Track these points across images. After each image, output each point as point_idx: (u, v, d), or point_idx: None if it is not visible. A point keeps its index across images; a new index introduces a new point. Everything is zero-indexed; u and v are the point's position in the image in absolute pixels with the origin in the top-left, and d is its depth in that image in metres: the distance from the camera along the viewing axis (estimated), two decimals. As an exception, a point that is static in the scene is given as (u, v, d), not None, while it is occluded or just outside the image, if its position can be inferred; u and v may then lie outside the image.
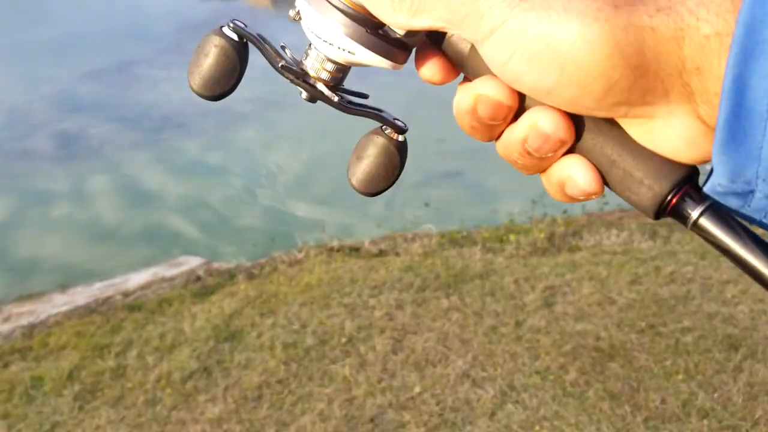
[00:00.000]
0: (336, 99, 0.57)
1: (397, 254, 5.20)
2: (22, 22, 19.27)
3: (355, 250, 5.28)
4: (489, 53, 0.46)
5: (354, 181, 0.59)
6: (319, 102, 0.57)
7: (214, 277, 4.85)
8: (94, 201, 7.75)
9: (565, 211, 6.47)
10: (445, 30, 0.50)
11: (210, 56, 0.57)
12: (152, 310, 4.32)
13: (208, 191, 7.91)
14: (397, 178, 0.60)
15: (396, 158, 0.58)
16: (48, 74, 12.70)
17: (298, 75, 0.57)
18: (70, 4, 21.67)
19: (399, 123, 0.58)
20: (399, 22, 0.50)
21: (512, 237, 5.58)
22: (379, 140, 0.58)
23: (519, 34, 0.43)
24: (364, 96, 0.59)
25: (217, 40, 0.57)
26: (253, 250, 6.15)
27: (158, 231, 7.09)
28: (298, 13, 0.56)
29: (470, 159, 8.47)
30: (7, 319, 4.43)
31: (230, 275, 4.87)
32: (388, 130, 0.58)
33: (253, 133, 9.51)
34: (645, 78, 0.42)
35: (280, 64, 0.56)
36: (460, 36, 0.50)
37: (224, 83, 0.58)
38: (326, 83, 0.57)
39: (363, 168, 0.58)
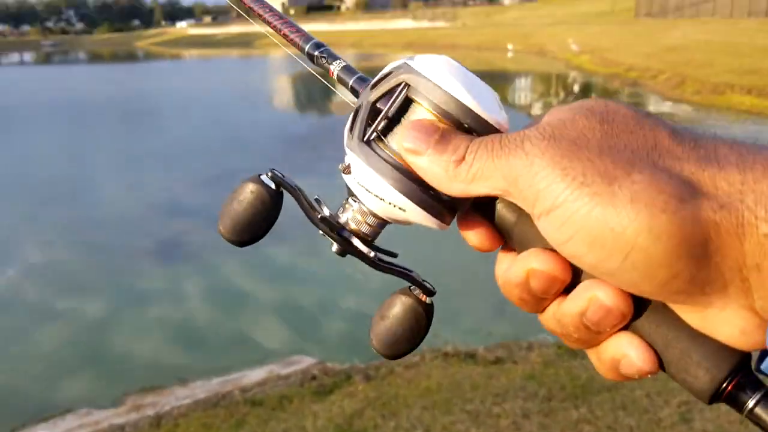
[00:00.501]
0: (372, 254, 0.56)
1: (515, 362, 5.04)
2: (135, 134, 20.90)
3: (470, 356, 5.16)
4: (547, 229, 0.46)
5: (375, 342, 0.57)
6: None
7: (330, 377, 4.82)
8: (189, 302, 7.97)
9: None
10: (498, 196, 0.49)
11: (245, 202, 0.56)
12: (273, 407, 4.30)
13: (299, 294, 8.01)
14: (420, 342, 0.58)
15: (423, 320, 0.56)
16: (155, 181, 13.62)
17: (335, 228, 0.56)
18: (179, 118, 23.49)
19: (428, 285, 0.57)
20: (455, 189, 0.50)
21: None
22: (407, 301, 0.56)
23: (581, 217, 0.43)
24: (394, 255, 0.58)
25: (254, 187, 0.57)
26: (336, 352, 6.11)
27: (251, 332, 7.13)
28: (348, 166, 0.56)
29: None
30: (134, 409, 4.51)
31: (346, 375, 4.83)
32: (417, 291, 0.57)
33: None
34: (707, 270, 0.42)
35: (319, 216, 0.56)
36: (510, 203, 0.50)
37: (255, 230, 0.57)
38: (364, 237, 0.56)
39: (387, 328, 0.56)
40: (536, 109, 25.29)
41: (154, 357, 6.61)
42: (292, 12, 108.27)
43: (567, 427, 3.87)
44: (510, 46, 53.01)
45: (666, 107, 22.06)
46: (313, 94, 32.00)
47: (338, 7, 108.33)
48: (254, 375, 5.12)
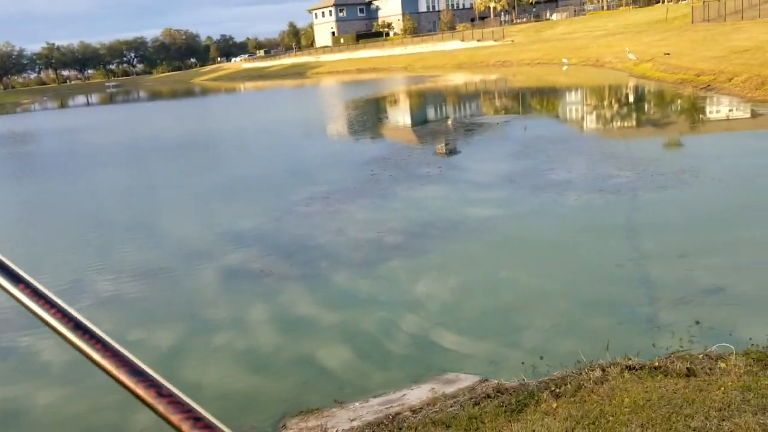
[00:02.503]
0: None
1: (708, 374, 4.50)
2: (202, 170, 21.03)
3: (656, 369, 4.64)
4: None
5: None
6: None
7: (509, 395, 4.37)
8: (253, 328, 7.67)
9: None
10: None
11: None
12: (465, 428, 3.88)
13: (359, 319, 7.60)
14: None
15: None
16: (218, 212, 13.59)
17: None
18: (237, 155, 23.60)
19: None
20: None
21: (840, 357, 4.72)
22: None
23: None
24: None
25: None
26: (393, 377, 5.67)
27: (301, 360, 6.72)
28: None
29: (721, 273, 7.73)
30: (302, 433, 4.15)
31: (528, 393, 4.37)
32: None
33: (398, 262, 9.35)
34: None
35: None
36: None
37: None
38: None
39: None
40: (613, 117, 24.58)
41: (212, 386, 6.29)
42: (341, 41, 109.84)
43: (824, 444, 3.34)
44: (565, 60, 52.26)
45: (751, 108, 21.07)
46: (365, 119, 31.94)
47: (387, 34, 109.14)
48: (415, 394, 4.72)
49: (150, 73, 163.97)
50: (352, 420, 4.34)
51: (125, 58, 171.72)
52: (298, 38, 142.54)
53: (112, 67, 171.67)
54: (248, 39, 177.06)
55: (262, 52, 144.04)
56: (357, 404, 4.67)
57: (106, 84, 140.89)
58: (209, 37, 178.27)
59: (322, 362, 6.58)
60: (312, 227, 11.72)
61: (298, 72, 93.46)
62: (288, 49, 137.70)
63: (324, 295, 8.59)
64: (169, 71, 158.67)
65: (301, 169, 18.43)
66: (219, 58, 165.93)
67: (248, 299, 8.62)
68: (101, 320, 8.36)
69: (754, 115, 20.19)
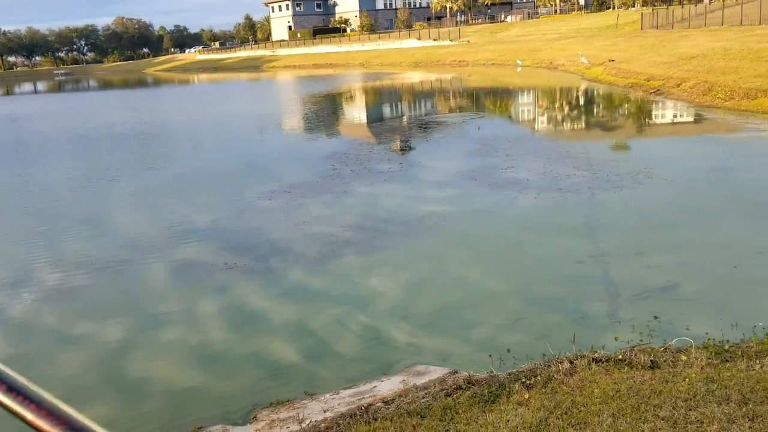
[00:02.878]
0: None
1: (672, 365, 4.63)
2: (158, 163, 20.62)
3: (622, 361, 4.75)
4: None
5: None
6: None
7: (481, 386, 4.40)
8: (211, 323, 7.57)
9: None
10: None
11: None
12: (440, 418, 3.89)
13: (311, 315, 7.58)
14: None
15: None
16: (174, 205, 13.33)
17: None
18: (194, 148, 23.22)
19: None
20: None
21: (793, 350, 4.92)
22: None
23: None
24: None
25: None
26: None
27: (263, 354, 6.64)
28: None
29: (677, 272, 7.97)
30: (274, 425, 4.10)
31: (500, 384, 4.41)
32: None
33: (352, 257, 9.36)
34: None
35: None
36: None
37: None
38: None
39: None
40: (569, 118, 25.05)
41: (161, 381, 6.19)
42: (298, 35, 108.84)
43: (786, 432, 3.47)
44: (519, 61, 53.03)
45: (699, 113, 21.78)
46: (323, 115, 31.82)
47: (344, 30, 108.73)
48: (386, 386, 4.72)
49: (101, 62, 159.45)
50: (325, 411, 4.32)
51: (75, 46, 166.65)
52: (254, 31, 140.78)
53: (62, 54, 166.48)
54: (203, 30, 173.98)
55: (217, 44, 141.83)
56: (328, 396, 4.64)
57: (55, 72, 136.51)
58: (163, 27, 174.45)
59: (282, 356, 6.52)
60: (273, 221, 11.61)
61: (253, 65, 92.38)
62: (244, 42, 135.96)
63: (283, 289, 8.52)
64: (120, 61, 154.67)
65: (261, 163, 18.24)
66: (173, 49, 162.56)
67: (206, 293, 8.48)
68: (48, 314, 8.11)
69: (702, 119, 20.88)
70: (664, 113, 23.98)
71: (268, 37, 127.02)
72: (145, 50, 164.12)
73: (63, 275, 9.44)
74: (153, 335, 7.33)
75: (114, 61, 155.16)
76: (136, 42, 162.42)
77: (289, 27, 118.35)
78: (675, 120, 22.52)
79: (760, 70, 25.08)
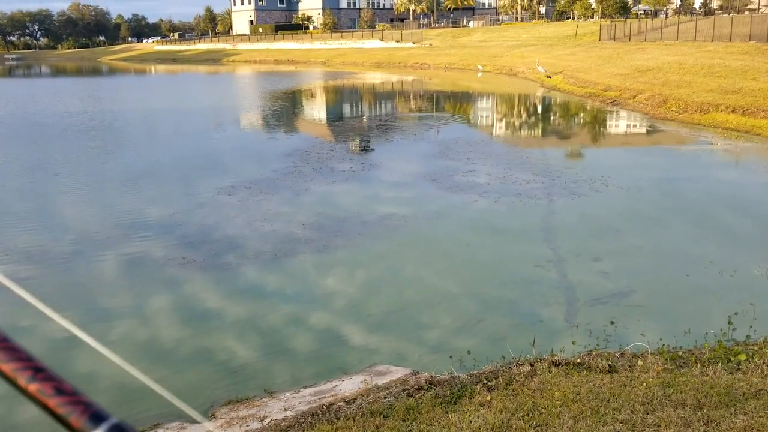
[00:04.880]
0: None
1: (630, 370, 4.72)
2: (102, 156, 20.16)
3: (580, 365, 4.82)
4: None
5: None
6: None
7: (443, 387, 4.41)
8: (153, 320, 7.44)
9: (775, 334, 5.96)
10: None
11: None
12: (403, 418, 3.87)
13: (268, 313, 7.52)
14: None
15: None
16: (122, 200, 13.03)
17: None
18: (147, 140, 22.78)
19: None
20: None
21: (742, 357, 5.08)
22: None
23: None
24: None
25: None
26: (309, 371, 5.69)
27: (219, 351, 6.54)
28: None
29: (636, 279, 8.14)
30: (233, 422, 4.03)
31: (462, 385, 4.42)
32: None
33: (308, 256, 9.32)
34: None
35: None
36: None
37: None
38: None
39: None
40: (528, 125, 25.42)
41: (109, 376, 6.05)
42: (260, 30, 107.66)
43: (739, 436, 3.56)
44: (480, 67, 53.58)
45: (653, 124, 22.35)
46: (284, 111, 31.59)
47: (306, 27, 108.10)
48: (347, 385, 4.69)
49: (54, 48, 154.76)
50: (285, 410, 4.26)
51: (28, 31, 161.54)
52: (214, 24, 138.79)
53: (13, 39, 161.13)
54: (161, 21, 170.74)
55: (176, 36, 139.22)
56: (288, 394, 4.59)
57: (6, 56, 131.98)
58: (120, 16, 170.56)
59: (239, 354, 6.43)
60: (231, 217, 11.44)
61: (213, 58, 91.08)
62: (203, 35, 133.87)
63: (240, 286, 8.40)
64: (75, 48, 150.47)
65: (220, 158, 17.97)
66: (130, 38, 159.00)
67: (161, 289, 8.31)
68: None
69: (656, 131, 21.44)
70: (620, 123, 24.54)
71: (228, 31, 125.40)
72: (101, 38, 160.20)
73: (7, 269, 9.11)
74: (104, 331, 7.13)
75: (68, 48, 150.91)
76: (91, 29, 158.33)
77: (251, 21, 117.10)
78: (631, 130, 23.06)
79: (712, 85, 25.90)
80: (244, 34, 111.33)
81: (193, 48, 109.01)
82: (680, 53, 36.70)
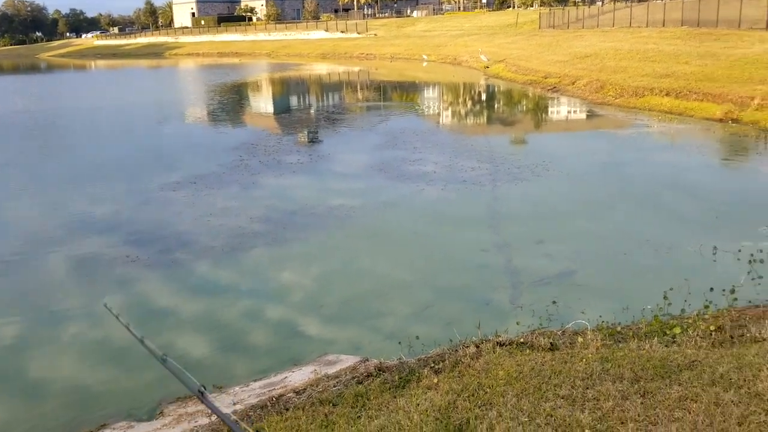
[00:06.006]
0: None
1: (570, 347, 4.90)
2: (44, 155, 19.59)
3: (523, 344, 4.98)
4: None
5: None
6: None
7: (392, 373, 4.49)
8: (107, 318, 7.35)
9: (707, 306, 6.25)
10: None
11: None
12: (352, 405, 3.94)
13: (219, 308, 7.51)
14: None
15: None
16: (65, 198, 12.73)
17: None
18: (90, 138, 22.20)
19: None
20: None
21: (677, 330, 5.32)
22: None
23: None
24: None
25: None
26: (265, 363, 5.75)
27: (170, 349, 6.47)
28: None
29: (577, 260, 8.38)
30: (182, 419, 4.03)
31: (410, 370, 4.51)
32: None
33: (259, 250, 9.32)
34: None
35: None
36: None
37: None
38: None
39: None
40: (473, 113, 25.71)
41: (63, 380, 6.00)
42: (202, 22, 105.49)
43: (672, 406, 3.74)
44: (425, 56, 53.87)
45: (592, 110, 22.93)
46: (230, 104, 31.17)
47: (249, 19, 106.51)
48: (297, 376, 4.73)
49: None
50: (234, 404, 4.27)
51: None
52: (155, 17, 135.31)
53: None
54: (100, 15, 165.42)
55: (115, 30, 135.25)
56: (237, 388, 4.60)
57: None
58: (58, 11, 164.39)
59: (191, 351, 6.39)
60: (177, 213, 11.29)
61: (155, 52, 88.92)
62: (144, 28, 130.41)
63: (190, 283, 8.33)
64: (11, 45, 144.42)
65: (165, 154, 17.65)
66: (68, 34, 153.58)
67: (108, 288, 8.17)
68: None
69: (594, 116, 22.00)
70: (561, 109, 25.08)
71: (170, 24, 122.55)
72: (38, 34, 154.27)
73: None
74: (51, 333, 6.99)
75: (4, 45, 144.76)
76: (28, 25, 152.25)
77: (193, 14, 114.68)
78: (571, 116, 23.59)
79: (647, 69, 26.67)
80: (186, 27, 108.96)
81: (134, 42, 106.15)
82: (616, 39, 37.63)
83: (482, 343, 5.04)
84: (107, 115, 27.57)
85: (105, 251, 9.46)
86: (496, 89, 32.84)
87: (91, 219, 11.21)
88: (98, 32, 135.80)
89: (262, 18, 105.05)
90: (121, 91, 40.74)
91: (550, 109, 25.27)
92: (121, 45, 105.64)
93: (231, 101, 31.54)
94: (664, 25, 40.07)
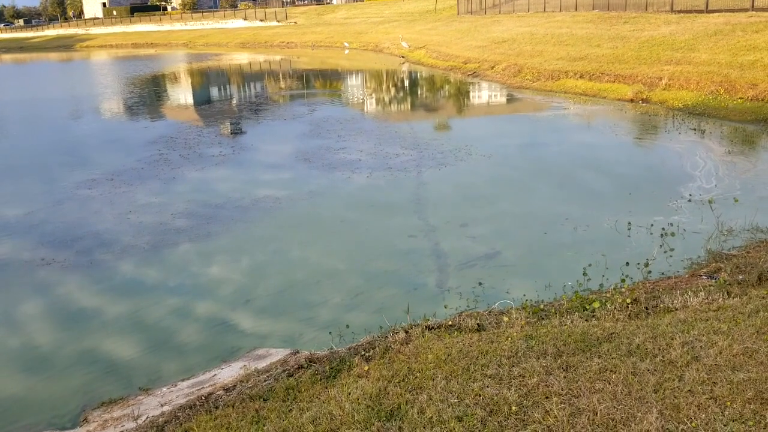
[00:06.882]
0: None
1: (496, 326, 5.02)
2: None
3: (451, 327, 5.07)
4: None
5: None
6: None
7: (323, 364, 4.49)
8: (25, 325, 7.10)
9: (623, 279, 6.53)
10: None
11: None
12: (283, 398, 3.91)
13: (145, 308, 7.38)
14: None
15: None
16: None
17: None
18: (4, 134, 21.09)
19: None
20: None
21: (596, 304, 5.53)
22: None
23: None
24: None
25: None
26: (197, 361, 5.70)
27: (93, 353, 6.31)
28: None
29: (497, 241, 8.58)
30: (107, 425, 3.91)
31: (340, 360, 4.52)
32: None
33: (184, 246, 9.17)
34: None
35: None
36: None
37: None
38: None
39: None
40: (396, 100, 25.80)
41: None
42: (114, 13, 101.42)
43: (593, 378, 3.90)
44: (347, 44, 53.67)
45: (511, 93, 23.46)
46: (146, 97, 30.21)
47: (164, 8, 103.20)
48: (227, 373, 4.67)
49: None
50: (162, 405, 4.17)
51: None
52: (63, 8, 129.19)
53: None
54: (4, 7, 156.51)
55: (21, 22, 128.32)
56: (165, 389, 4.49)
57: None
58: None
59: (116, 354, 6.20)
60: (95, 212, 10.88)
61: (65, 45, 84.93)
62: (52, 20, 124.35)
63: (112, 284, 8.05)
64: None
65: (79, 150, 16.92)
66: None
67: (24, 293, 7.80)
68: None
69: (513, 99, 22.52)
70: (481, 94, 25.53)
71: (80, 15, 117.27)
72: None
73: None
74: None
75: None
76: None
77: (104, 4, 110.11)
78: (491, 100, 24.05)
79: (561, 53, 27.47)
80: (98, 18, 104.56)
81: (42, 35, 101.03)
82: (532, 24, 38.51)
83: (411, 328, 5.10)
84: (16, 111, 26.21)
85: (18, 255, 9.03)
86: (418, 76, 33.08)
87: (1, 221, 10.66)
88: (2, 25, 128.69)
89: (177, 7, 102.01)
90: (31, 85, 38.78)
91: (471, 94, 25.68)
92: (27, 38, 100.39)
93: (148, 94, 30.54)
94: (576, 10, 41.29)
